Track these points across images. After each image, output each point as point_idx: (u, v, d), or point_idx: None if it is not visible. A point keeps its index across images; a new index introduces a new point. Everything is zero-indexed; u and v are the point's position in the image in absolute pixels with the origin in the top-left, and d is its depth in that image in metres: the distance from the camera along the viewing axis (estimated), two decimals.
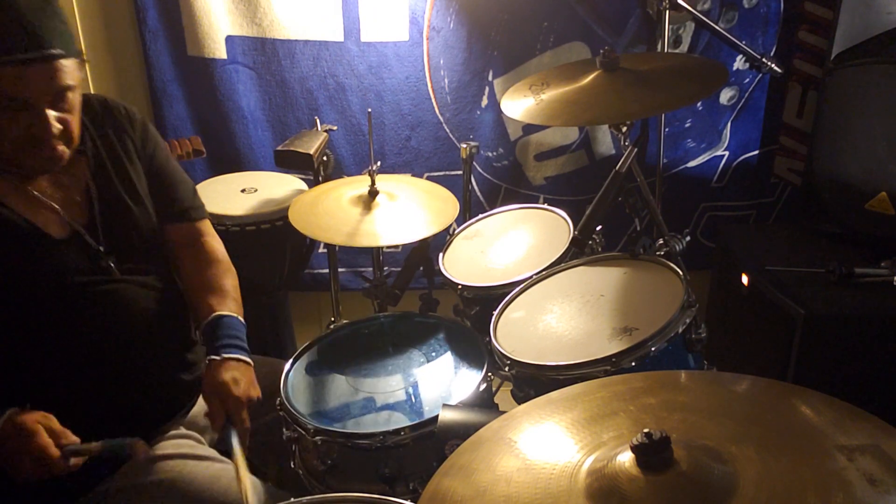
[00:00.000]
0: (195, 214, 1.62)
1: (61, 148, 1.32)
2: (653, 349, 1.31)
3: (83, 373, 1.39)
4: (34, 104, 1.24)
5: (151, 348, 1.47)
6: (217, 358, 1.42)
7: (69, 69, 1.27)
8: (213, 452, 1.49)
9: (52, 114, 1.27)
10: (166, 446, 1.45)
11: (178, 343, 1.55)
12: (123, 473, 1.40)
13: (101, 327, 1.40)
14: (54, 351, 1.37)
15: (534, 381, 1.42)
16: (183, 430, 1.52)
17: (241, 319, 1.52)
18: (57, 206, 1.38)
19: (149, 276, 1.48)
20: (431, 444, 1.37)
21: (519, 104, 1.68)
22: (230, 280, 1.59)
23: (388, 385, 1.58)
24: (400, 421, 1.45)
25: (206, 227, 1.66)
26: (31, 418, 1.23)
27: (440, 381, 1.58)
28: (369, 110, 1.91)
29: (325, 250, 2.40)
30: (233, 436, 1.35)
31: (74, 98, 1.32)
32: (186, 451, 1.45)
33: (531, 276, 1.65)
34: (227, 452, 1.38)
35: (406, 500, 1.11)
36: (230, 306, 1.52)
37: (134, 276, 1.45)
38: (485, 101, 2.44)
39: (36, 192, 1.37)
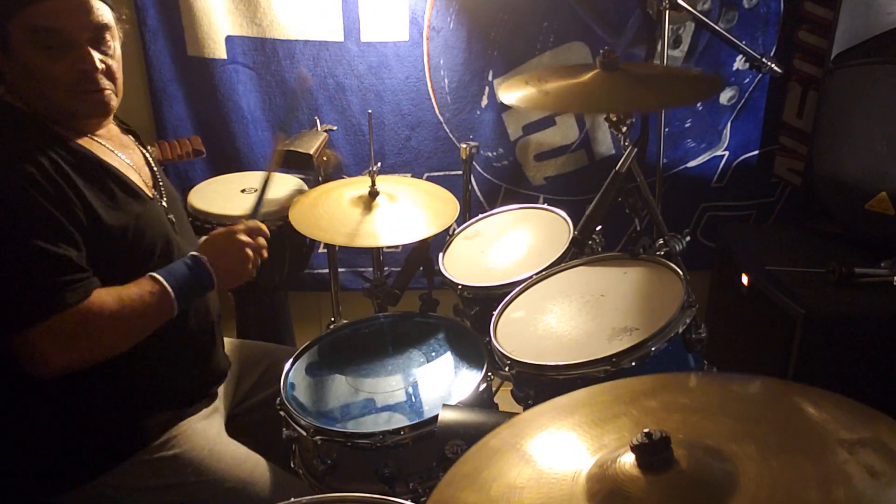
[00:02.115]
0: None
1: (108, 91, 1.35)
2: (653, 349, 1.30)
3: (178, 333, 1.44)
4: (75, 39, 1.28)
5: (212, 314, 1.56)
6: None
7: (104, 10, 1.32)
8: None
9: (94, 53, 1.31)
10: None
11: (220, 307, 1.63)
12: (123, 472, 1.41)
13: None
14: None
15: (534, 381, 1.42)
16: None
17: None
18: (137, 171, 1.46)
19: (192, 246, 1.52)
20: (431, 444, 1.38)
21: (517, 92, 1.62)
22: None
23: (388, 385, 1.58)
24: (400, 421, 1.45)
25: None
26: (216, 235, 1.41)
27: (440, 382, 1.58)
28: (369, 111, 1.91)
29: (325, 250, 2.40)
30: None
31: (115, 46, 1.36)
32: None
33: (531, 276, 1.65)
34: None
35: (406, 500, 1.11)
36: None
37: (188, 244, 1.51)
38: (485, 101, 2.44)
39: (122, 156, 1.44)
